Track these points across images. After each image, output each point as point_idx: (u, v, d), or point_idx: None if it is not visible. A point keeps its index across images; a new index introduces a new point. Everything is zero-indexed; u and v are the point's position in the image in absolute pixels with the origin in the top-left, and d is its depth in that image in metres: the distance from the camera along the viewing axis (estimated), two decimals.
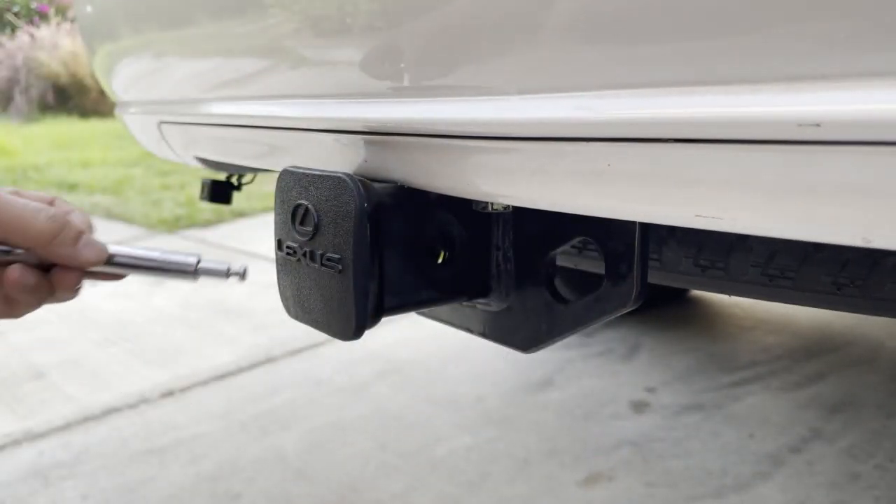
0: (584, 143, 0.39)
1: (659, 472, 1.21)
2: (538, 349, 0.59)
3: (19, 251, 0.53)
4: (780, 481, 1.17)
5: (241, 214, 3.36)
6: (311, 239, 0.56)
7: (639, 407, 1.44)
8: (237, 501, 1.16)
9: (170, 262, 0.57)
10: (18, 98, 7.22)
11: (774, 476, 1.18)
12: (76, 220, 0.55)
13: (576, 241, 0.56)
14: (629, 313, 0.54)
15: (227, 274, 0.57)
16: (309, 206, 0.56)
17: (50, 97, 7.33)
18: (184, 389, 1.59)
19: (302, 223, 0.57)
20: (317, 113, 0.61)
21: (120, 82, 1.08)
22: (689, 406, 1.44)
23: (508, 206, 0.57)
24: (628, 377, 1.58)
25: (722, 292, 0.67)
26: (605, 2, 0.36)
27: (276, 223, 0.61)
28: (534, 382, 1.56)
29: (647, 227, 0.51)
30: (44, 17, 8.17)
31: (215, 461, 1.28)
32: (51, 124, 6.82)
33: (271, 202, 0.64)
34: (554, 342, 0.58)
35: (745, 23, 0.31)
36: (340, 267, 0.53)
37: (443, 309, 0.68)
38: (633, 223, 0.50)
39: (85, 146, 5.67)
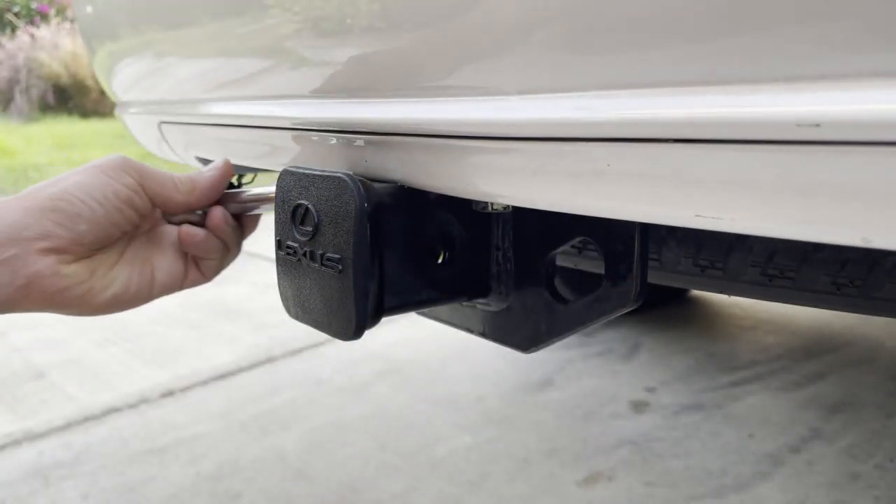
0: (583, 144, 0.39)
1: (659, 471, 1.21)
2: (538, 349, 0.59)
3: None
4: (780, 481, 1.17)
5: None
6: (311, 239, 0.56)
7: (639, 407, 1.44)
8: (237, 501, 1.16)
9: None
10: (19, 98, 7.21)
11: (774, 476, 1.18)
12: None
13: (576, 241, 0.56)
14: (629, 313, 0.54)
15: None
16: (309, 206, 0.56)
17: (50, 97, 7.32)
18: (184, 389, 1.59)
19: (302, 223, 0.57)
20: (317, 113, 0.61)
21: (120, 82, 1.08)
22: (689, 406, 1.44)
23: (508, 206, 0.57)
24: (628, 377, 1.58)
25: (721, 292, 0.67)
26: (605, 2, 0.36)
27: (276, 223, 0.61)
28: (534, 382, 1.57)
29: (646, 228, 0.51)
30: (44, 17, 8.16)
31: (215, 461, 1.29)
32: (51, 124, 6.82)
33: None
34: (554, 342, 0.58)
35: (745, 23, 0.31)
36: (340, 267, 0.53)
37: (443, 309, 0.68)
38: (633, 223, 0.50)
39: (85, 146, 5.67)
